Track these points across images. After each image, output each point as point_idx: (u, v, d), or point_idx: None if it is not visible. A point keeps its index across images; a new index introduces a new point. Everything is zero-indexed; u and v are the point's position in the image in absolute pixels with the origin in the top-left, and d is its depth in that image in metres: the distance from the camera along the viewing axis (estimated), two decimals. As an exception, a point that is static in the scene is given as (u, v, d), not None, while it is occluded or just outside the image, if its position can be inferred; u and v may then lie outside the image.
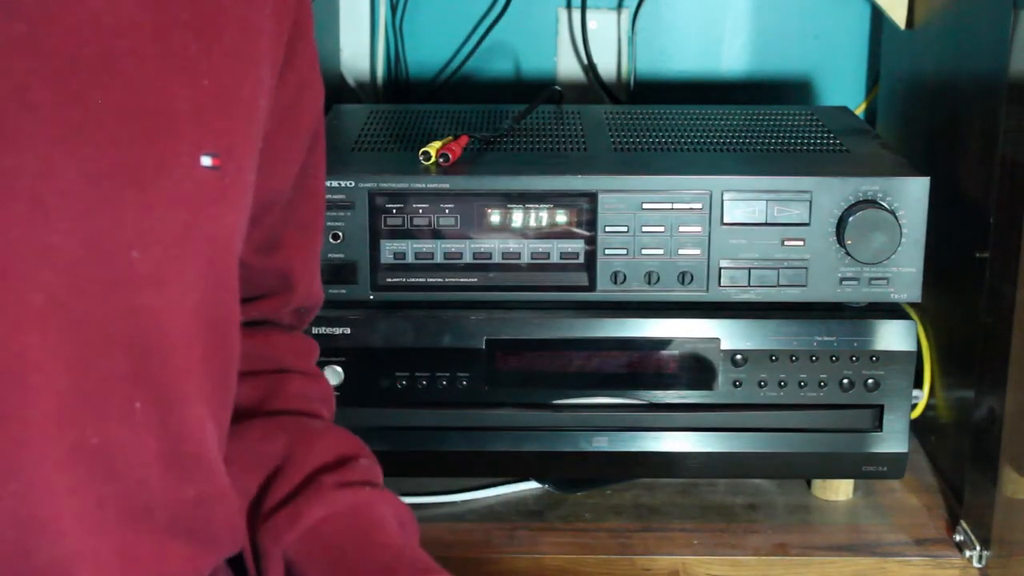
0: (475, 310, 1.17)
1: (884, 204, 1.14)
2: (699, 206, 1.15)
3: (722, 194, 1.15)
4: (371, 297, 1.17)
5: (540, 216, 1.16)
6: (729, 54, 1.63)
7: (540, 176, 1.16)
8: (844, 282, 1.16)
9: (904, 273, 1.15)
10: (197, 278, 0.75)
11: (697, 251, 1.16)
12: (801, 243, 1.15)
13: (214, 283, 0.76)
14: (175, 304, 0.73)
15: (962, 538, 1.17)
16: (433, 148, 1.18)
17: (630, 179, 1.15)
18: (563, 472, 1.23)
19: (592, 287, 1.17)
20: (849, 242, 1.13)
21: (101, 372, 0.70)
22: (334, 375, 1.16)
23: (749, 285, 1.16)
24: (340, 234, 1.15)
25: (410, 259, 1.16)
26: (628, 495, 1.25)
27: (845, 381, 1.17)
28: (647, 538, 1.18)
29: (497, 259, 1.17)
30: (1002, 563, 1.13)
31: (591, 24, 1.61)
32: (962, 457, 1.20)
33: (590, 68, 1.62)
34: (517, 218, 1.16)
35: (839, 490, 1.24)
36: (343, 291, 1.16)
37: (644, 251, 1.16)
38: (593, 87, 1.62)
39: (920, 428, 1.31)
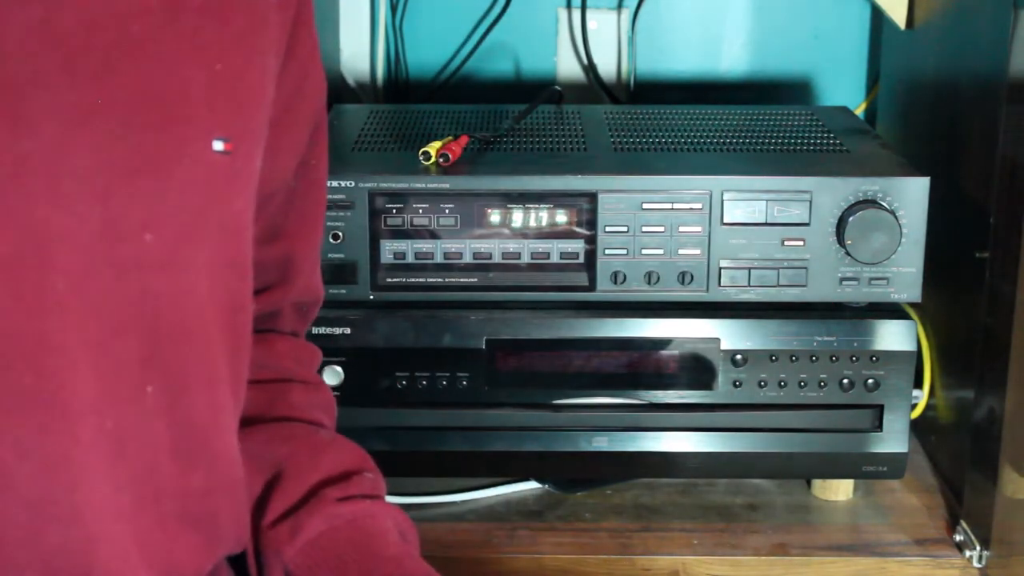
0: (475, 310, 1.17)
1: (884, 204, 1.14)
2: (699, 206, 1.15)
3: (722, 194, 1.15)
4: (371, 297, 1.17)
5: (540, 216, 1.16)
6: (729, 54, 1.63)
7: (540, 176, 1.16)
8: (844, 282, 1.16)
9: (904, 273, 1.15)
10: (210, 262, 0.75)
11: (697, 251, 1.16)
12: (801, 243, 1.15)
13: (227, 268, 0.77)
14: (188, 288, 0.74)
15: (962, 538, 1.17)
16: (433, 148, 1.18)
17: (630, 179, 1.15)
18: (563, 472, 1.23)
19: (592, 287, 1.17)
20: (849, 242, 1.13)
21: (116, 355, 0.71)
22: (334, 375, 1.16)
23: (749, 285, 1.16)
24: (340, 234, 1.15)
25: (410, 259, 1.16)
26: (628, 495, 1.25)
27: (845, 381, 1.17)
28: (647, 538, 1.18)
29: (497, 259, 1.17)
30: (1002, 563, 1.13)
31: (591, 24, 1.61)
32: (962, 457, 1.20)
33: (590, 68, 1.62)
34: (517, 218, 1.16)
35: (839, 490, 1.24)
36: (343, 291, 1.16)
37: (644, 251, 1.16)
38: (593, 87, 1.62)
39: (920, 428, 1.31)
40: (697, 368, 1.17)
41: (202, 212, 0.74)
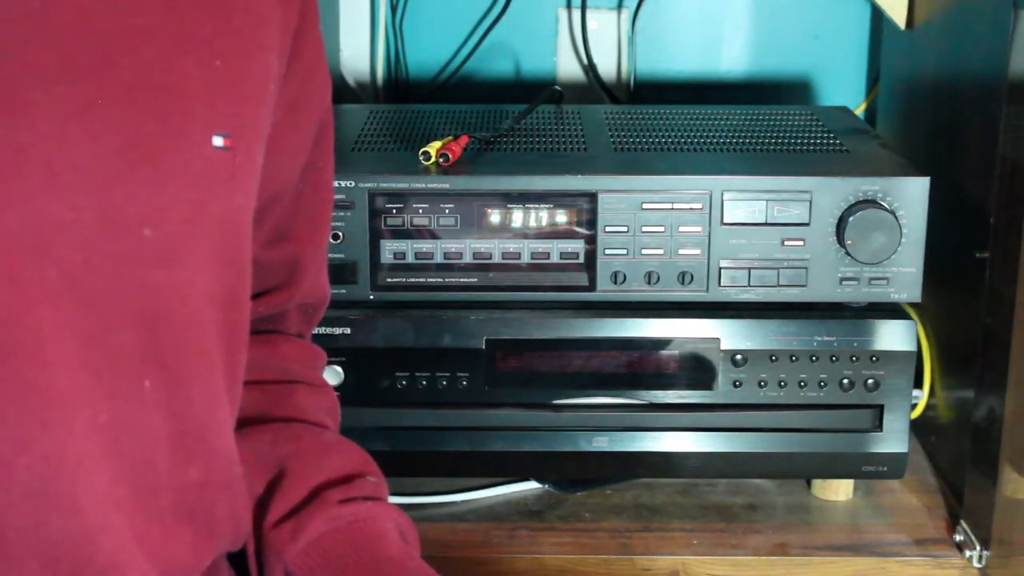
0: (475, 310, 1.17)
1: (884, 204, 1.14)
2: (699, 206, 1.15)
3: (722, 194, 1.15)
4: (371, 297, 1.17)
5: (540, 216, 1.16)
6: (729, 54, 1.63)
7: (540, 176, 1.16)
8: (844, 282, 1.16)
9: (904, 273, 1.15)
10: (208, 258, 0.75)
11: (697, 251, 1.16)
12: (801, 243, 1.15)
13: (225, 264, 0.77)
14: (185, 283, 0.74)
15: (962, 538, 1.17)
16: (433, 148, 1.18)
17: (630, 179, 1.15)
18: (563, 472, 1.23)
19: (592, 287, 1.17)
20: (849, 242, 1.13)
21: (112, 349, 0.71)
22: (334, 375, 1.16)
23: (749, 285, 1.16)
24: (340, 234, 1.15)
25: (410, 259, 1.16)
26: (628, 495, 1.25)
27: (845, 381, 1.17)
28: (647, 538, 1.18)
29: (497, 259, 1.17)
30: (1002, 563, 1.13)
31: (591, 24, 1.61)
32: (962, 457, 1.20)
33: (590, 68, 1.62)
34: (517, 218, 1.16)
35: (839, 490, 1.24)
36: (343, 291, 1.16)
37: (644, 251, 1.16)
38: (593, 87, 1.62)
39: (920, 428, 1.31)
40: (697, 368, 1.17)
41: (201, 207, 0.74)
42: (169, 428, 0.75)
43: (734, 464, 1.19)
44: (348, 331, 1.16)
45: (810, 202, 1.14)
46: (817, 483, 1.25)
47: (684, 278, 1.16)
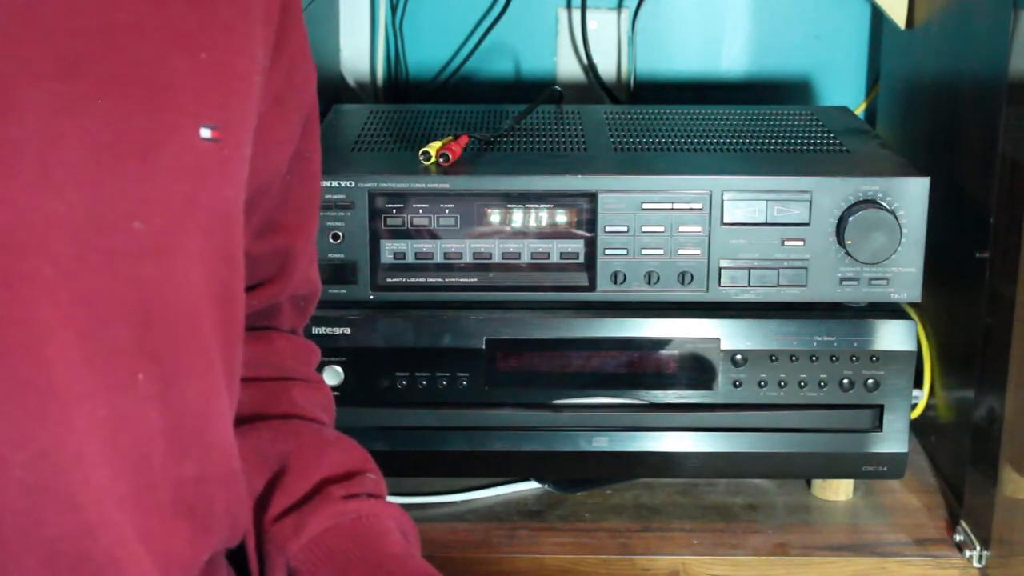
0: (475, 310, 1.17)
1: (884, 204, 1.14)
2: (699, 206, 1.15)
3: (722, 194, 1.15)
4: (371, 297, 1.17)
5: (540, 216, 1.16)
6: (729, 54, 1.63)
7: (540, 176, 1.16)
8: (844, 282, 1.16)
9: (904, 273, 1.15)
10: (200, 250, 0.75)
11: (697, 251, 1.16)
12: (801, 243, 1.15)
13: (217, 257, 0.77)
14: (177, 276, 0.74)
15: (962, 538, 1.17)
16: (433, 148, 1.18)
17: (630, 179, 1.15)
18: (563, 472, 1.23)
19: (592, 287, 1.17)
20: (849, 242, 1.13)
21: (107, 343, 0.71)
22: (334, 375, 1.16)
23: (749, 285, 1.16)
24: (340, 234, 1.15)
25: (410, 259, 1.16)
26: (628, 495, 1.25)
27: (845, 381, 1.17)
28: (647, 538, 1.18)
29: (497, 259, 1.17)
30: (1002, 563, 1.13)
31: (591, 24, 1.61)
32: (962, 457, 1.20)
33: (590, 68, 1.62)
34: (517, 218, 1.16)
35: (839, 490, 1.24)
36: (343, 291, 1.16)
37: (644, 251, 1.16)
38: (593, 87, 1.62)
39: (920, 428, 1.31)
40: (697, 368, 1.17)
41: (191, 199, 0.74)
42: (164, 422, 0.75)
43: (734, 464, 1.19)
44: (348, 331, 1.16)
45: (810, 202, 1.14)
46: (817, 483, 1.25)
47: (684, 278, 1.16)
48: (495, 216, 1.16)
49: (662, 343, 1.17)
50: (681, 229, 1.15)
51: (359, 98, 1.63)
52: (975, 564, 1.15)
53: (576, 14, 1.61)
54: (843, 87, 1.63)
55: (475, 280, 1.17)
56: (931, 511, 1.23)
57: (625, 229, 1.15)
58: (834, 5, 1.61)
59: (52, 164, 0.68)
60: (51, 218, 0.68)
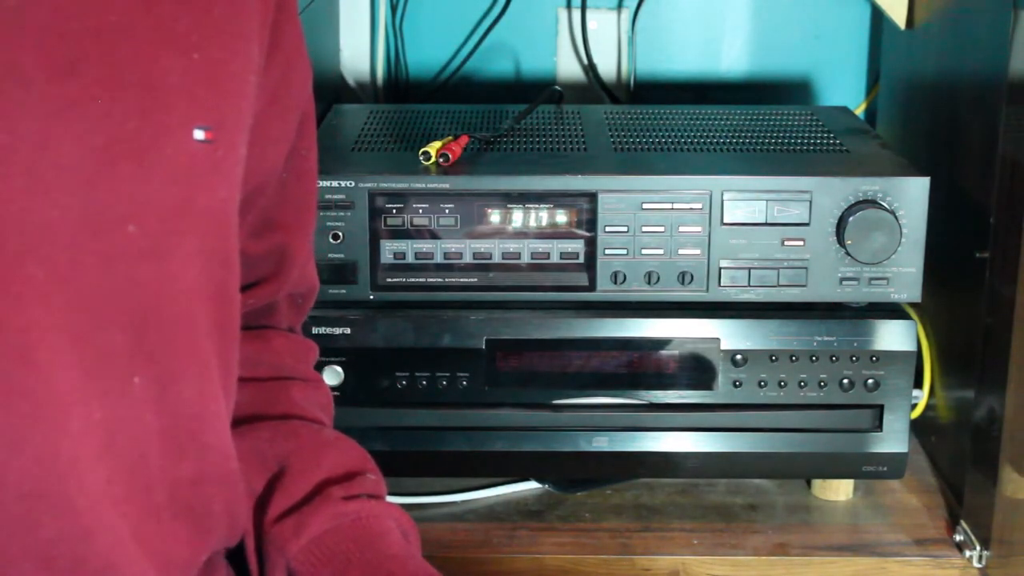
0: (475, 310, 1.17)
1: (884, 204, 1.14)
2: (699, 206, 1.15)
3: (722, 194, 1.15)
4: (371, 297, 1.17)
5: (540, 216, 1.16)
6: (729, 54, 1.63)
7: (540, 176, 1.16)
8: (844, 282, 1.16)
9: (904, 273, 1.15)
10: (195, 252, 0.75)
11: (697, 251, 1.16)
12: (801, 243, 1.15)
13: (213, 258, 0.77)
14: (173, 278, 0.74)
15: (962, 538, 1.17)
16: (433, 148, 1.18)
17: (630, 179, 1.15)
18: (563, 472, 1.23)
19: (592, 287, 1.17)
20: (849, 242, 1.13)
21: (102, 346, 0.71)
22: (334, 375, 1.16)
23: (749, 285, 1.16)
24: (340, 234, 1.15)
25: (410, 259, 1.16)
26: (628, 495, 1.25)
27: (845, 381, 1.17)
28: (647, 538, 1.18)
29: (497, 259, 1.17)
30: (1002, 563, 1.13)
31: (591, 24, 1.61)
32: (962, 457, 1.20)
33: (590, 68, 1.62)
34: (517, 218, 1.16)
35: (839, 490, 1.24)
36: (343, 291, 1.16)
37: (644, 251, 1.16)
38: (593, 87, 1.62)
39: (920, 428, 1.31)
40: (697, 368, 1.17)
41: (185, 201, 0.74)
42: (161, 424, 0.75)
43: (734, 464, 1.19)
44: (348, 331, 1.16)
45: (810, 202, 1.14)
46: (817, 483, 1.25)
47: (684, 278, 1.16)
48: (495, 216, 1.16)
49: (662, 343, 1.17)
50: (681, 229, 1.15)
51: (359, 98, 1.63)
52: (975, 564, 1.15)
53: (576, 14, 1.61)
54: (843, 87, 1.63)
55: (475, 280, 1.17)
56: (931, 511, 1.23)
57: (625, 229, 1.15)
58: (834, 5, 1.61)
59: (44, 168, 0.68)
60: (44, 222, 0.68)
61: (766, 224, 1.15)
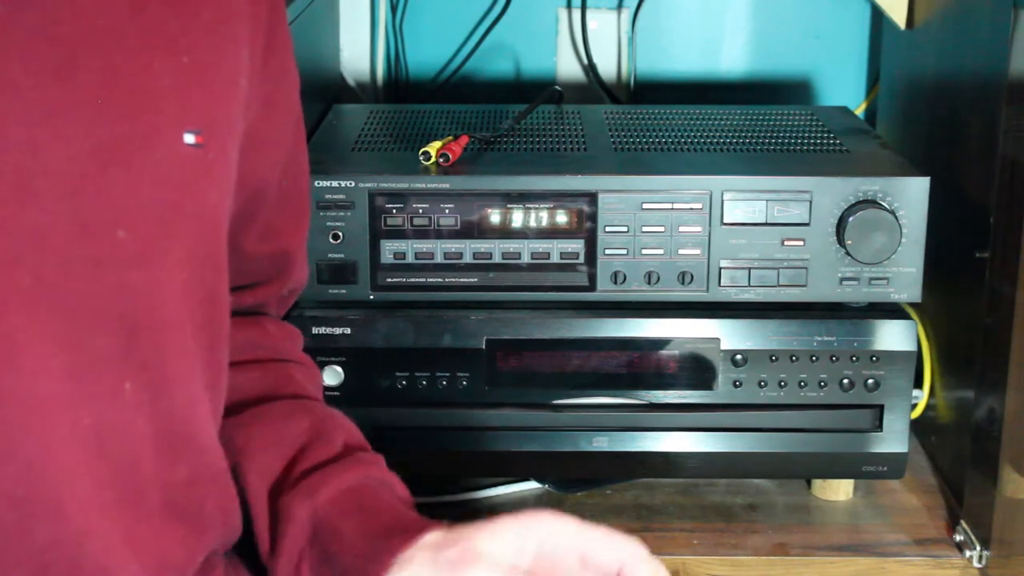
0: (475, 310, 1.17)
1: (884, 204, 1.14)
2: (699, 206, 1.15)
3: (722, 194, 1.15)
4: (371, 297, 1.17)
5: (540, 216, 1.16)
6: (729, 54, 1.63)
7: (540, 176, 1.16)
8: (844, 282, 1.16)
9: (904, 273, 1.15)
10: (185, 256, 0.75)
11: (697, 251, 1.16)
12: (801, 243, 1.15)
13: (203, 261, 0.77)
14: (163, 282, 0.74)
15: (962, 538, 1.17)
16: (433, 148, 1.18)
17: (630, 179, 1.15)
18: (563, 472, 1.23)
19: (592, 287, 1.17)
20: (849, 242, 1.13)
21: (91, 352, 0.71)
22: (334, 375, 1.16)
23: (749, 285, 1.16)
24: (340, 234, 1.15)
25: (410, 259, 1.16)
26: (628, 495, 1.25)
27: (845, 381, 1.17)
28: (647, 538, 1.18)
29: (497, 259, 1.17)
30: (1002, 563, 1.13)
31: (591, 24, 1.61)
32: (962, 457, 1.20)
33: (590, 68, 1.62)
34: (517, 218, 1.16)
35: (839, 490, 1.24)
36: (343, 291, 1.16)
37: (644, 251, 1.16)
38: (593, 87, 1.62)
39: (920, 428, 1.31)
40: (697, 368, 1.17)
41: (175, 206, 0.74)
42: (153, 428, 0.75)
43: (734, 464, 1.19)
44: (348, 331, 1.16)
45: (810, 202, 1.14)
46: (817, 483, 1.25)
47: (684, 278, 1.16)
48: (495, 216, 1.16)
49: (662, 343, 1.17)
50: (681, 229, 1.15)
51: (359, 98, 1.63)
52: (975, 564, 1.15)
53: (576, 14, 1.61)
54: (843, 87, 1.63)
55: (475, 280, 1.17)
56: (931, 511, 1.23)
57: (625, 229, 1.15)
58: (834, 5, 1.61)
59: (33, 174, 0.67)
60: (33, 228, 0.67)
61: (766, 224, 1.15)
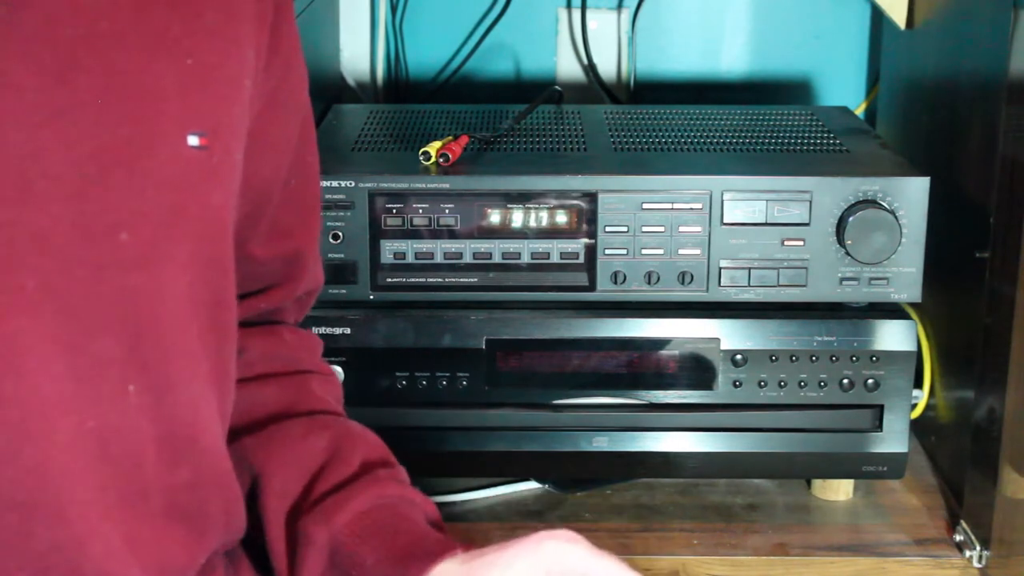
0: (475, 310, 1.17)
1: (884, 204, 1.14)
2: (699, 206, 1.15)
3: (722, 194, 1.15)
4: (371, 297, 1.17)
5: (540, 216, 1.16)
6: (729, 54, 1.63)
7: (540, 176, 1.16)
8: (844, 282, 1.16)
9: (904, 273, 1.15)
10: (189, 259, 0.75)
11: (697, 251, 1.16)
12: (801, 243, 1.15)
13: (207, 264, 0.76)
14: (167, 285, 0.73)
15: (962, 538, 1.17)
16: (433, 148, 1.18)
17: (630, 179, 1.15)
18: (563, 472, 1.23)
19: (592, 287, 1.17)
20: (849, 242, 1.13)
21: (94, 355, 0.70)
22: (334, 375, 1.16)
23: (749, 285, 1.16)
24: (340, 234, 1.15)
25: (410, 259, 1.16)
26: (628, 495, 1.25)
27: (845, 381, 1.17)
28: (647, 538, 1.18)
29: (497, 259, 1.17)
30: (1002, 563, 1.13)
31: (591, 24, 1.61)
32: (962, 457, 1.20)
33: (590, 68, 1.62)
34: (517, 218, 1.16)
35: (839, 490, 1.24)
36: (343, 291, 1.16)
37: (644, 251, 1.16)
38: (593, 87, 1.62)
39: (920, 428, 1.31)
40: (697, 368, 1.17)
41: (179, 208, 0.73)
42: (157, 431, 0.74)
43: (734, 464, 1.19)
44: (348, 331, 1.16)
45: (810, 202, 1.14)
46: (817, 483, 1.25)
47: (684, 278, 1.16)
48: (495, 216, 1.16)
49: (662, 343, 1.17)
50: (681, 229, 1.15)
51: (359, 98, 1.63)
52: (975, 564, 1.15)
53: (576, 14, 1.61)
54: (843, 87, 1.63)
55: (475, 280, 1.17)
56: (931, 511, 1.23)
57: (625, 229, 1.15)
58: (834, 5, 1.61)
59: (34, 177, 0.67)
60: (35, 231, 0.67)
61: (766, 224, 1.15)
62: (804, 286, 1.16)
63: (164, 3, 0.73)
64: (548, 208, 1.16)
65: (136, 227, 0.71)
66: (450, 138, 1.20)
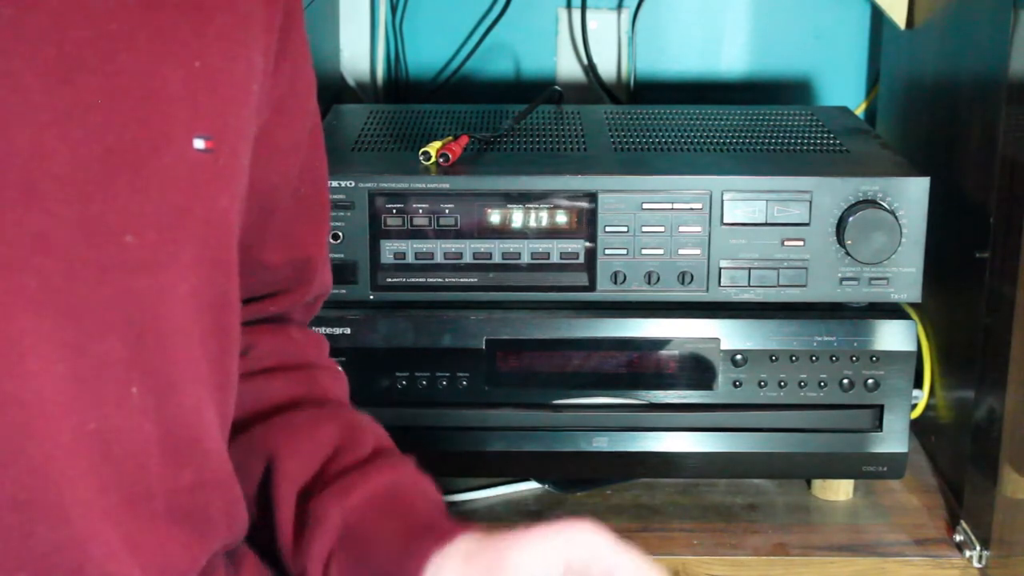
0: (475, 310, 1.17)
1: (884, 204, 1.14)
2: (699, 206, 1.15)
3: (722, 194, 1.15)
4: (371, 297, 1.17)
5: (540, 216, 1.16)
6: (729, 54, 1.63)
7: (540, 176, 1.16)
8: (844, 282, 1.16)
9: (904, 273, 1.15)
10: (193, 262, 0.74)
11: (697, 251, 1.16)
12: (801, 243, 1.15)
13: (212, 267, 0.76)
14: (171, 288, 0.73)
15: (962, 538, 1.17)
16: (433, 148, 1.18)
17: (630, 179, 1.15)
18: (563, 472, 1.23)
19: (592, 287, 1.17)
20: (849, 242, 1.13)
21: (97, 357, 0.70)
22: (334, 375, 1.16)
23: (749, 285, 1.16)
24: (340, 234, 1.15)
25: (410, 259, 1.16)
26: (628, 495, 1.25)
27: (845, 381, 1.17)
28: (647, 538, 1.18)
29: (497, 259, 1.17)
30: (1002, 563, 1.13)
31: (591, 24, 1.61)
32: (962, 457, 1.20)
33: (590, 68, 1.62)
34: (517, 218, 1.16)
35: (839, 490, 1.24)
36: (343, 291, 1.16)
37: (644, 251, 1.16)
38: (593, 87, 1.62)
39: (920, 428, 1.31)
40: (697, 368, 1.17)
41: (184, 211, 0.73)
42: (160, 433, 0.74)
43: (734, 464, 1.19)
44: (348, 331, 1.16)
45: (810, 202, 1.14)
46: (817, 483, 1.25)
47: (684, 278, 1.16)
48: (495, 216, 1.16)
49: (662, 343, 1.17)
50: (681, 229, 1.15)
51: (359, 98, 1.63)
52: (975, 564, 1.15)
53: (576, 14, 1.61)
54: (843, 87, 1.63)
55: (475, 280, 1.17)
56: (931, 511, 1.23)
57: (625, 229, 1.15)
58: (834, 5, 1.61)
59: (39, 178, 0.67)
60: (39, 232, 0.67)
61: (766, 224, 1.15)
62: (804, 286, 1.16)
63: (172, 5, 0.73)
64: (548, 208, 1.16)
65: (141, 229, 0.71)
66: (450, 138, 1.20)
